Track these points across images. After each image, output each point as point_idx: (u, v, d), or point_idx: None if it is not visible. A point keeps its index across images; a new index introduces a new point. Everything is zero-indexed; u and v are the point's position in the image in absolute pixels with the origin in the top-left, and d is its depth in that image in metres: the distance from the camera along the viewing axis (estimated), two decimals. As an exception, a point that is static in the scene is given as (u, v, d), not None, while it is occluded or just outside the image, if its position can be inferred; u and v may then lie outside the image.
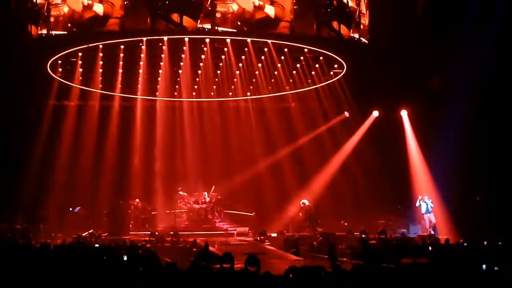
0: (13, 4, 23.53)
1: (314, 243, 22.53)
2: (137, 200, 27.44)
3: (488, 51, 24.22)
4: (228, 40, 24.25)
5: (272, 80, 27.65)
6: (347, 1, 24.10)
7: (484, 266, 13.00)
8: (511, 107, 25.23)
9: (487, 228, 22.36)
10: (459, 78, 24.90)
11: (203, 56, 25.56)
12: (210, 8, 22.52)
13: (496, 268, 12.64)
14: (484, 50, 24.25)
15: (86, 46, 23.85)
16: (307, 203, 27.06)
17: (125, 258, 13.57)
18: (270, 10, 23.17)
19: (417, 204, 25.63)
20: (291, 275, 10.51)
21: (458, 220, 24.75)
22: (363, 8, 24.58)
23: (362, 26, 24.33)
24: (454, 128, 24.87)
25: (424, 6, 25.08)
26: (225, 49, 25.00)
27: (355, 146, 28.83)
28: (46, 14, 22.85)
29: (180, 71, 26.76)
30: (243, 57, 25.74)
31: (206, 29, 22.47)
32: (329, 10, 23.76)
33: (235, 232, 26.25)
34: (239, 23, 22.77)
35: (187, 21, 22.56)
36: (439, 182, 26.29)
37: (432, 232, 24.43)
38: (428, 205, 25.31)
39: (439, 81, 26.86)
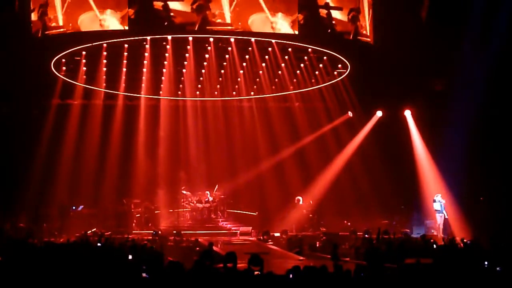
0: (17, 5, 23.45)
1: (318, 242, 22.54)
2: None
3: (491, 51, 24.20)
4: (232, 40, 24.24)
5: (276, 79, 27.65)
6: (329, 13, 22.31)
7: (486, 267, 13.02)
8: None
9: (492, 228, 22.33)
10: (462, 78, 24.89)
11: (207, 56, 25.58)
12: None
13: (498, 269, 12.64)
14: (488, 51, 24.23)
15: (90, 44, 23.83)
16: (301, 201, 27.02)
17: (130, 257, 13.56)
18: None
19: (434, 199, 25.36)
20: (294, 275, 10.52)
21: (462, 220, 24.70)
22: (366, 23, 23.69)
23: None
24: (457, 128, 24.84)
25: (428, 10, 24.98)
26: (229, 48, 25.01)
27: (359, 146, 28.78)
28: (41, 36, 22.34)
29: (184, 70, 26.78)
30: (247, 56, 25.75)
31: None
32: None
33: (238, 231, 26.28)
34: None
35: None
36: (443, 182, 26.24)
37: (442, 235, 24.27)
38: (441, 205, 25.10)
39: (443, 81, 26.84)
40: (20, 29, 23.11)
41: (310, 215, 27.94)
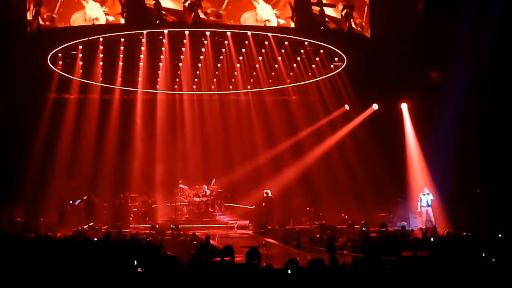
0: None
1: (317, 236, 22.55)
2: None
3: (487, 44, 24.16)
4: (229, 33, 24.20)
5: (273, 73, 27.63)
6: (321, 10, 22.08)
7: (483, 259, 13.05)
8: (510, 100, 25.20)
9: (487, 221, 22.34)
10: (458, 72, 24.86)
11: (203, 49, 25.54)
12: None
13: (493, 260, 12.67)
14: (484, 44, 24.20)
15: (87, 39, 23.79)
16: (269, 193, 27.02)
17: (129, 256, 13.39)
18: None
19: (418, 207, 25.42)
20: (291, 269, 10.51)
21: (457, 213, 24.73)
22: (362, 19, 23.52)
23: None
24: (453, 121, 24.84)
25: (425, 2, 24.90)
26: (226, 42, 24.97)
27: (355, 139, 28.73)
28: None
29: (180, 64, 26.75)
30: (243, 50, 25.72)
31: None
32: None
33: (236, 225, 26.28)
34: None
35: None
36: (438, 175, 26.26)
37: (433, 223, 24.35)
38: (428, 199, 25.18)
39: (439, 75, 26.82)
40: (16, 24, 23.03)
41: (308, 208, 27.97)
